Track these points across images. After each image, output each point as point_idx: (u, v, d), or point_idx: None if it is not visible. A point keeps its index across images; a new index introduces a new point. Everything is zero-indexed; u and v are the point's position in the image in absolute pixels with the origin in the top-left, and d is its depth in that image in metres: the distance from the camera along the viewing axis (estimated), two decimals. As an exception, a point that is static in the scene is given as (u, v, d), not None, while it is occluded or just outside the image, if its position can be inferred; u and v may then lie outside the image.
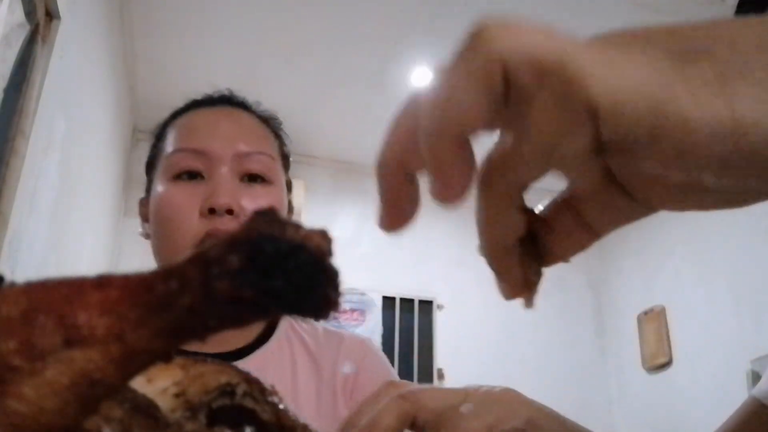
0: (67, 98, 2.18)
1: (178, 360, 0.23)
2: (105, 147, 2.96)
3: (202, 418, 0.22)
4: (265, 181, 0.81)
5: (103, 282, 0.16)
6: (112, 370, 0.16)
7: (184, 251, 0.73)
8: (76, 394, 0.16)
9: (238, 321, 0.16)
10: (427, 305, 3.78)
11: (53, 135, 2.07)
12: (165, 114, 0.93)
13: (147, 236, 0.83)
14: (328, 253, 0.16)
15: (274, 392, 0.25)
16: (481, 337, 3.92)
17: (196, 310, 0.15)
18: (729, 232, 3.30)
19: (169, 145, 0.82)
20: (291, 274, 0.15)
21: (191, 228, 0.75)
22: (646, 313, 3.76)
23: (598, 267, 4.29)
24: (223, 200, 0.75)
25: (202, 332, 0.16)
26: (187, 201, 0.77)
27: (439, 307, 3.80)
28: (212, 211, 0.75)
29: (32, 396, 0.16)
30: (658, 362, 3.56)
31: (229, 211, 0.75)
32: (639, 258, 3.95)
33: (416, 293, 3.68)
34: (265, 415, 0.23)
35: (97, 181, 2.87)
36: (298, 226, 0.16)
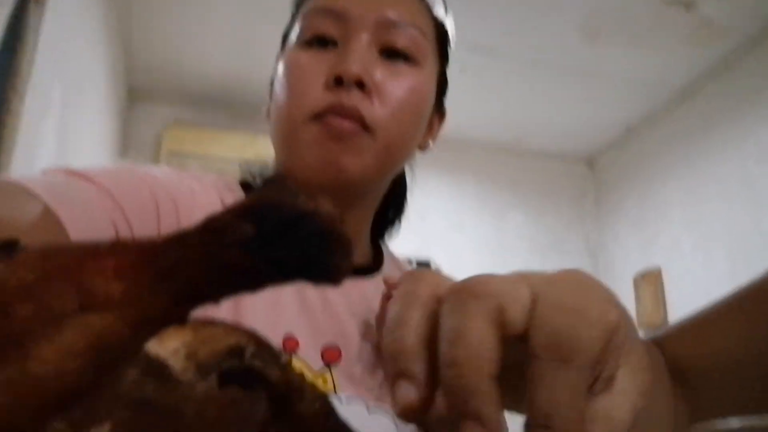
0: (62, 59, 2.16)
1: (189, 322, 0.24)
2: (101, 109, 2.94)
3: (213, 378, 0.23)
4: (409, 59, 0.69)
5: (116, 248, 0.17)
6: (128, 332, 0.17)
7: (302, 127, 0.65)
8: (93, 356, 0.17)
9: (250, 287, 0.16)
10: (424, 267, 3.80)
11: (49, 98, 2.05)
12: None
13: (268, 113, 0.74)
14: (338, 221, 0.16)
15: (282, 353, 0.25)
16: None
17: (208, 276, 0.16)
18: (727, 198, 3.30)
19: (305, 7, 0.71)
20: (302, 242, 0.15)
21: (312, 99, 0.65)
22: (642, 275, 3.79)
23: (596, 231, 4.30)
24: (353, 68, 0.64)
25: (215, 297, 0.17)
26: (313, 68, 0.66)
27: (436, 269, 3.82)
28: (339, 82, 0.64)
29: (52, 359, 0.16)
30: (654, 323, 3.60)
31: (360, 84, 0.65)
32: (637, 223, 3.97)
33: (414, 255, 3.70)
34: (274, 376, 0.24)
35: (94, 144, 2.86)
36: (308, 194, 0.16)
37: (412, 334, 0.29)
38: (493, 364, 0.27)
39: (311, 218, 0.15)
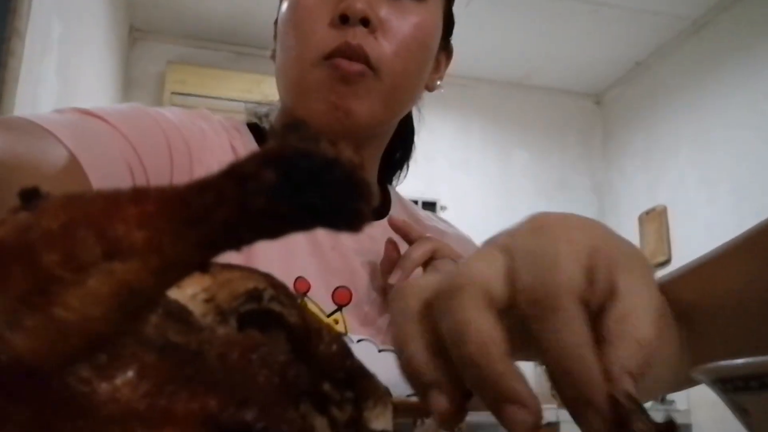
0: (62, -4, 2.11)
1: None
2: (102, 47, 2.90)
3: (233, 322, 0.23)
4: None
5: (139, 196, 0.17)
6: (152, 280, 0.17)
7: (310, 69, 0.65)
8: (117, 302, 0.17)
9: (273, 233, 0.16)
10: (430, 206, 3.81)
11: (49, 36, 2.02)
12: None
13: (273, 56, 0.73)
14: (360, 167, 0.16)
15: (297, 295, 0.26)
16: (484, 237, 3.96)
17: (231, 223, 0.16)
18: (733, 135, 3.27)
19: None
20: (325, 189, 0.15)
21: (319, 39, 0.64)
22: (647, 213, 3.79)
23: (602, 169, 4.28)
24: (358, 5, 0.63)
25: (237, 244, 0.17)
26: (316, 7, 0.66)
27: (443, 208, 3.84)
28: (345, 20, 0.64)
29: (77, 305, 0.16)
30: (657, 261, 3.62)
31: (365, 22, 0.64)
32: (643, 159, 3.95)
33: (420, 195, 3.70)
34: (292, 318, 0.24)
35: (96, 83, 2.83)
36: (330, 141, 0.16)
37: (418, 349, 0.30)
38: (501, 344, 0.27)
39: (334, 164, 0.15)
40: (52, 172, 0.48)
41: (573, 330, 0.27)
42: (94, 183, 0.51)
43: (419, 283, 0.33)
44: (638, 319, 0.29)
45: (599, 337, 0.28)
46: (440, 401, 0.29)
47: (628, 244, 0.33)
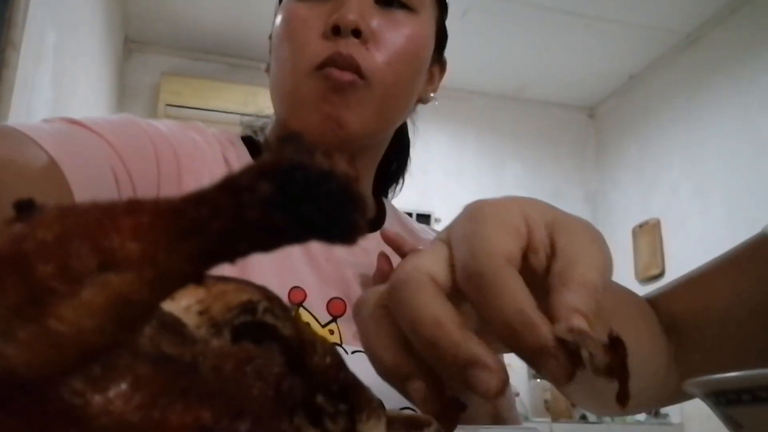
0: (57, 7, 2.12)
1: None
2: (97, 58, 2.90)
3: (227, 334, 0.23)
4: (406, 7, 0.69)
5: (133, 208, 0.17)
6: (146, 291, 0.17)
7: (303, 80, 0.66)
8: (112, 314, 0.17)
9: (268, 246, 0.16)
10: (425, 219, 3.81)
11: (44, 46, 2.02)
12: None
13: (267, 69, 0.75)
14: (355, 179, 0.16)
15: (292, 307, 0.26)
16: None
17: (227, 235, 0.16)
18: (726, 147, 3.29)
19: None
20: (321, 201, 0.15)
21: (312, 51, 0.65)
22: (641, 225, 3.80)
23: (596, 180, 4.30)
24: (349, 16, 0.64)
25: (233, 256, 0.17)
26: (309, 19, 0.67)
27: (437, 220, 3.84)
28: (337, 31, 0.65)
29: (71, 316, 0.16)
30: (651, 274, 3.63)
31: (356, 33, 0.65)
32: (636, 171, 3.96)
33: (414, 207, 3.70)
34: (286, 330, 0.24)
35: (90, 94, 2.83)
36: (325, 153, 0.16)
37: (385, 349, 0.31)
38: (454, 318, 0.28)
39: (329, 177, 0.15)
40: (29, 173, 0.48)
41: (508, 290, 0.27)
42: (75, 187, 0.51)
43: (374, 290, 0.34)
44: (578, 266, 0.29)
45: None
46: (417, 387, 0.29)
47: (569, 214, 0.34)
